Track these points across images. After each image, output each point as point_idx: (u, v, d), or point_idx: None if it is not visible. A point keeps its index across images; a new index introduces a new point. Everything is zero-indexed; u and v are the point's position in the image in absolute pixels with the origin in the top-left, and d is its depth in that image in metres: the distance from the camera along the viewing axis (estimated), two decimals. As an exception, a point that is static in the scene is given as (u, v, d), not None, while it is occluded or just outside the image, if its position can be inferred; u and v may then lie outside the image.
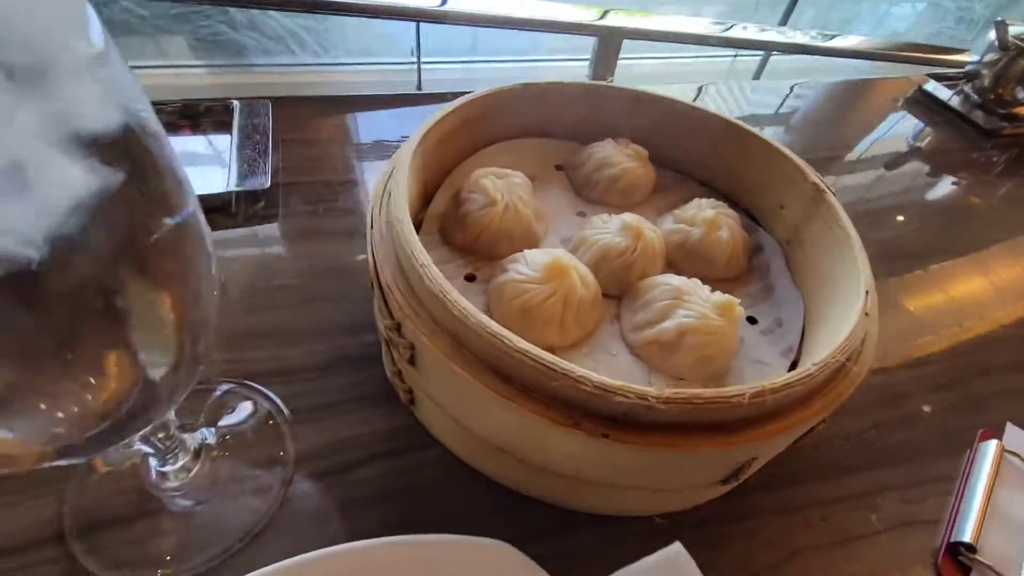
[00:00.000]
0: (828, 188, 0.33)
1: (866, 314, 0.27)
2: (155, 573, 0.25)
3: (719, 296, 0.29)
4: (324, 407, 0.31)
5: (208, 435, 0.29)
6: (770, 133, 0.66)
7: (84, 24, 0.13)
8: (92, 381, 0.15)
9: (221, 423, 0.30)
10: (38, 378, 0.14)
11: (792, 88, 0.75)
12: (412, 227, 0.26)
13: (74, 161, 0.12)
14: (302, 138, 0.50)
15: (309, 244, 0.41)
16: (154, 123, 0.15)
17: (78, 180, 0.12)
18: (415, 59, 1.75)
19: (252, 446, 0.29)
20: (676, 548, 0.21)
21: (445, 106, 0.35)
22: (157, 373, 0.17)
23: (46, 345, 0.14)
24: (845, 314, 0.28)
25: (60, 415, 0.15)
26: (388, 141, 0.53)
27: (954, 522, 0.30)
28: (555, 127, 0.43)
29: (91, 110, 0.13)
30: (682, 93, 0.69)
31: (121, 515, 0.26)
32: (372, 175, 0.48)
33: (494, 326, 0.23)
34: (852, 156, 0.65)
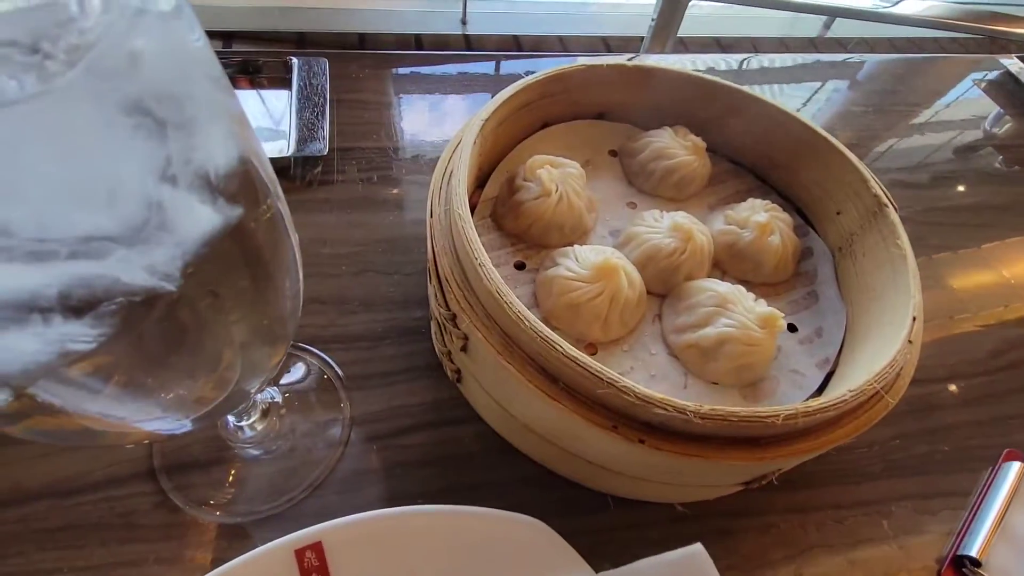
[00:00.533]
0: (891, 202, 0.32)
1: (910, 342, 0.27)
2: (229, 512, 0.29)
3: (763, 308, 0.30)
4: (377, 375, 0.34)
5: (275, 394, 0.32)
6: (819, 108, 0.63)
7: (219, 75, 0.14)
8: (203, 375, 0.17)
9: (285, 383, 0.33)
10: (162, 376, 0.16)
11: (842, 63, 0.70)
12: (472, 225, 0.27)
13: (204, 202, 0.14)
14: (356, 99, 0.50)
15: (363, 213, 0.42)
16: (255, 141, 0.17)
17: (207, 219, 0.14)
18: (461, -9, 1.69)
19: (314, 407, 0.32)
20: (698, 548, 0.23)
21: (506, 90, 0.34)
22: (256, 360, 0.19)
23: (167, 349, 0.16)
24: (888, 336, 0.28)
25: (173, 404, 0.17)
26: (438, 102, 0.53)
27: (963, 536, 0.32)
28: (613, 109, 0.42)
29: (218, 152, 0.14)
30: (726, 63, 0.66)
31: (201, 460, 0.30)
32: (423, 143, 0.48)
33: (546, 330, 0.24)
34: (916, 141, 0.62)
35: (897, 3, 1.06)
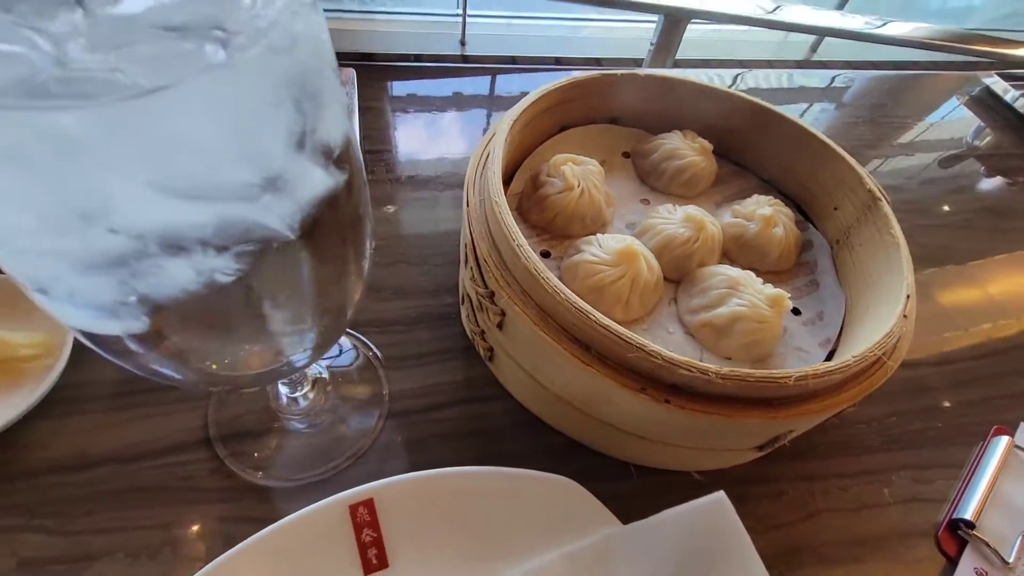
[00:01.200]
0: (884, 196, 0.36)
1: (904, 316, 0.30)
2: (280, 477, 0.31)
3: (771, 289, 0.33)
4: (412, 356, 0.36)
5: (322, 370, 0.34)
6: (810, 122, 0.67)
7: (336, 67, 0.16)
8: (298, 320, 0.20)
9: (330, 362, 0.35)
10: (268, 316, 0.19)
11: (833, 78, 0.75)
12: (509, 211, 0.30)
13: (320, 167, 0.16)
14: (381, 107, 0.53)
15: (393, 210, 0.45)
16: (353, 125, 0.19)
17: (322, 182, 0.17)
18: (460, 12, 1.74)
19: (356, 383, 0.35)
20: (719, 496, 0.26)
21: (530, 95, 0.38)
22: (339, 311, 0.22)
23: (278, 290, 0.18)
24: (885, 314, 0.31)
25: (272, 342, 0.20)
26: (462, 114, 0.56)
27: (958, 502, 0.34)
28: (625, 114, 0.45)
29: (334, 128, 0.17)
30: (720, 78, 0.70)
31: (254, 430, 0.32)
32: (447, 148, 0.51)
33: (581, 302, 0.27)
34: (904, 151, 0.65)
35: (885, 24, 1.12)
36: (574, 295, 0.27)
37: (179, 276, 0.15)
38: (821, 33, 1.31)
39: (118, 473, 0.30)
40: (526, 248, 0.28)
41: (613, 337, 0.26)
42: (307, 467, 0.31)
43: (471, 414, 0.35)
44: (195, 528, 0.28)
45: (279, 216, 0.16)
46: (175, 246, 0.14)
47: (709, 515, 0.26)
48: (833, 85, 0.74)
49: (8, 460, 0.29)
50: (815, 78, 0.75)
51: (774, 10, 0.98)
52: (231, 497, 0.30)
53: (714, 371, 0.25)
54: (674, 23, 0.71)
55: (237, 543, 0.26)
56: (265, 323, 0.18)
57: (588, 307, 0.27)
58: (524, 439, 0.34)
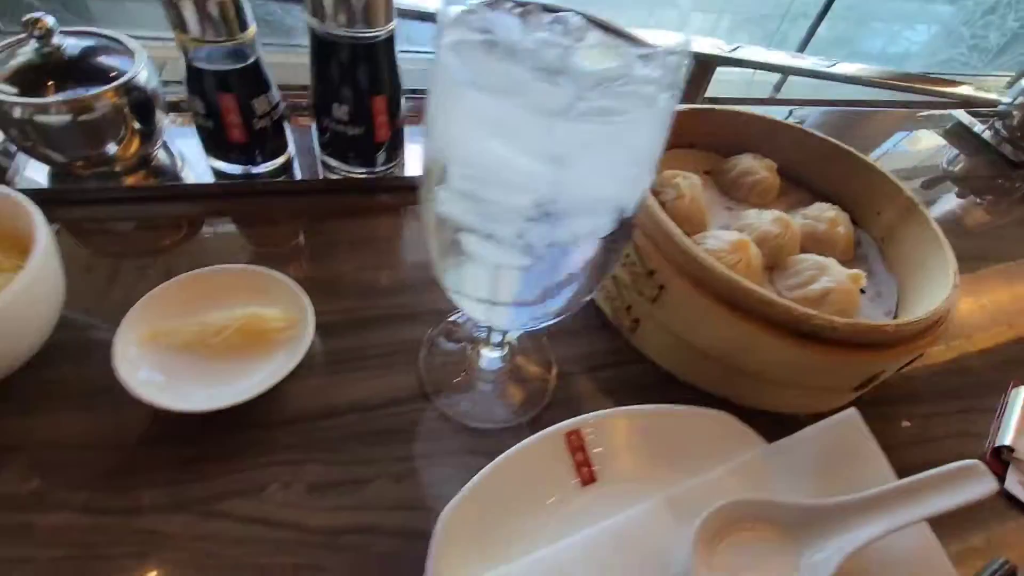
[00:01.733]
0: (919, 202, 0.47)
1: (955, 286, 0.40)
2: (485, 420, 0.38)
3: (849, 270, 0.43)
4: (564, 332, 0.45)
5: (512, 341, 0.42)
6: None
7: None
8: (600, 275, 0.28)
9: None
10: (594, 271, 0.27)
11: (791, 112, 0.89)
12: (661, 208, 0.39)
13: (648, 176, 0.25)
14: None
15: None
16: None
17: (643, 191, 0.25)
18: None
19: (530, 352, 0.42)
20: (852, 411, 0.34)
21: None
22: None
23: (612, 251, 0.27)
24: (937, 287, 0.41)
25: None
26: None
27: (997, 434, 0.44)
28: (701, 140, 0.56)
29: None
30: None
31: (457, 385, 0.40)
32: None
33: (732, 272, 0.36)
34: (892, 172, 0.78)
35: (835, 64, 1.28)
36: (726, 267, 0.36)
37: (580, 230, 0.23)
38: (781, 71, 1.46)
39: (362, 419, 0.37)
40: (679, 235, 0.38)
41: (758, 296, 0.35)
42: (500, 416, 0.39)
43: (617, 375, 0.43)
44: (435, 457, 0.36)
45: (633, 201, 0.24)
46: (590, 210, 0.23)
47: (845, 427, 0.34)
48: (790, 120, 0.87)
49: (277, 410, 0.36)
50: (775, 113, 0.88)
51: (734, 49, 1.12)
52: (452, 437, 0.37)
53: (839, 321, 0.35)
54: (704, 67, 0.83)
55: (469, 469, 0.33)
56: (595, 270, 0.26)
57: (737, 276, 0.36)
58: (664, 394, 0.42)
